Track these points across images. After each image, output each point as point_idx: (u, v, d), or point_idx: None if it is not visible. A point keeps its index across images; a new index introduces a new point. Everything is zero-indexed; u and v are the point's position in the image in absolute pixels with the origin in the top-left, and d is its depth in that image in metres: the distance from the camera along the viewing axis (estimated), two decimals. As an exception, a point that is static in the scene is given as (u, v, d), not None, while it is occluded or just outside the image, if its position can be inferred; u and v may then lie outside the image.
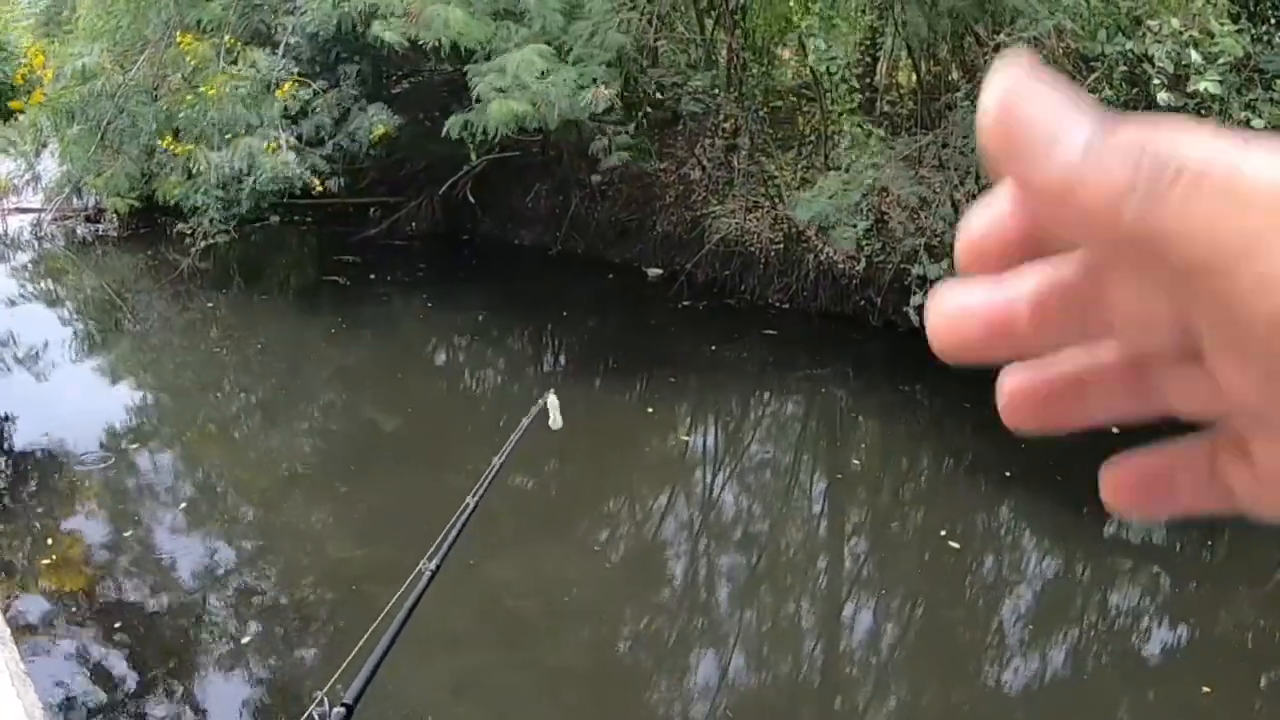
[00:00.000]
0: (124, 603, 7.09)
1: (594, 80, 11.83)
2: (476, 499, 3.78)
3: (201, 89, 12.95)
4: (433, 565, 3.35)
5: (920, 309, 11.14)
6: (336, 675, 2.82)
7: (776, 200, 13.05)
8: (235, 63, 13.16)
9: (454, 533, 3.54)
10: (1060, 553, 8.29)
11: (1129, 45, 9.26)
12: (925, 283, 11.09)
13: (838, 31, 11.05)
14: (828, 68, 12.43)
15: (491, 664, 6.56)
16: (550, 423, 4.69)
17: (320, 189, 13.03)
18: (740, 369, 12.02)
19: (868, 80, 14.73)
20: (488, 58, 12.07)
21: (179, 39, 13.28)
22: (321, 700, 2.66)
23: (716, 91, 14.32)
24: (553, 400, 4.71)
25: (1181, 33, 8.97)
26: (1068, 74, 10.41)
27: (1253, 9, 9.93)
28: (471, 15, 11.89)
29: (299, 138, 13.03)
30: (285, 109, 12.94)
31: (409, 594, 3.20)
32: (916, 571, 8.07)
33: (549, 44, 11.99)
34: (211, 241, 13.27)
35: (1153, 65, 9.06)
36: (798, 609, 7.63)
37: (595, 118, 12.90)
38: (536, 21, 12.22)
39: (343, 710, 2.66)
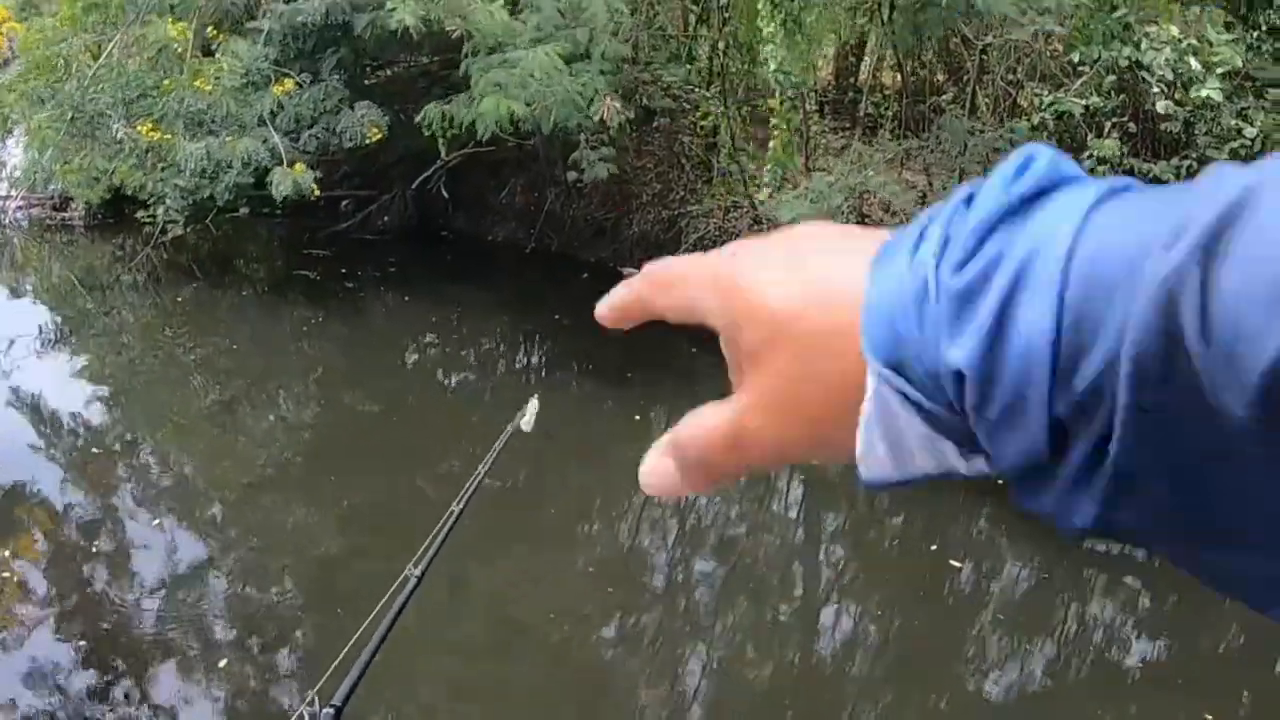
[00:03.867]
0: (87, 610, 6.87)
1: (596, 91, 11.47)
2: (461, 506, 3.85)
3: (183, 77, 12.68)
4: (418, 571, 3.46)
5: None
6: (325, 677, 2.92)
7: (757, 201, 12.86)
8: (210, 51, 12.88)
9: (439, 540, 3.63)
10: (1039, 563, 8.16)
11: (1126, 52, 9.13)
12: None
13: (797, 46, 10.79)
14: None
15: (473, 671, 6.48)
16: (522, 424, 4.65)
17: (317, 194, 12.74)
18: (718, 374, 11.76)
19: (851, 80, 14.59)
20: (490, 52, 11.72)
21: (152, 22, 12.99)
22: (312, 700, 2.81)
23: (693, 88, 14.08)
24: (533, 405, 4.66)
25: (1180, 40, 8.85)
26: (1054, 78, 10.28)
27: (1244, 14, 9.83)
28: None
29: (284, 134, 12.75)
30: (279, 103, 12.66)
31: (395, 599, 3.33)
32: (893, 579, 8.00)
33: (546, 42, 11.62)
34: (175, 233, 12.99)
35: (1151, 74, 8.93)
36: (776, 616, 7.53)
37: (581, 125, 12.64)
38: (533, 17, 11.88)
39: (331, 711, 2.81)
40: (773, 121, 11.80)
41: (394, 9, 11.32)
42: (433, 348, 12.66)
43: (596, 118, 11.46)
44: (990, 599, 7.73)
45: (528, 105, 11.08)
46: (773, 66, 10.78)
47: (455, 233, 15.89)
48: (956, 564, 7.98)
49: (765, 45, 10.60)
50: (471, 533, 7.56)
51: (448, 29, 11.55)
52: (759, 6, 10.53)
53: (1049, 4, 9.22)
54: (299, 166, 12.18)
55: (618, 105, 11.58)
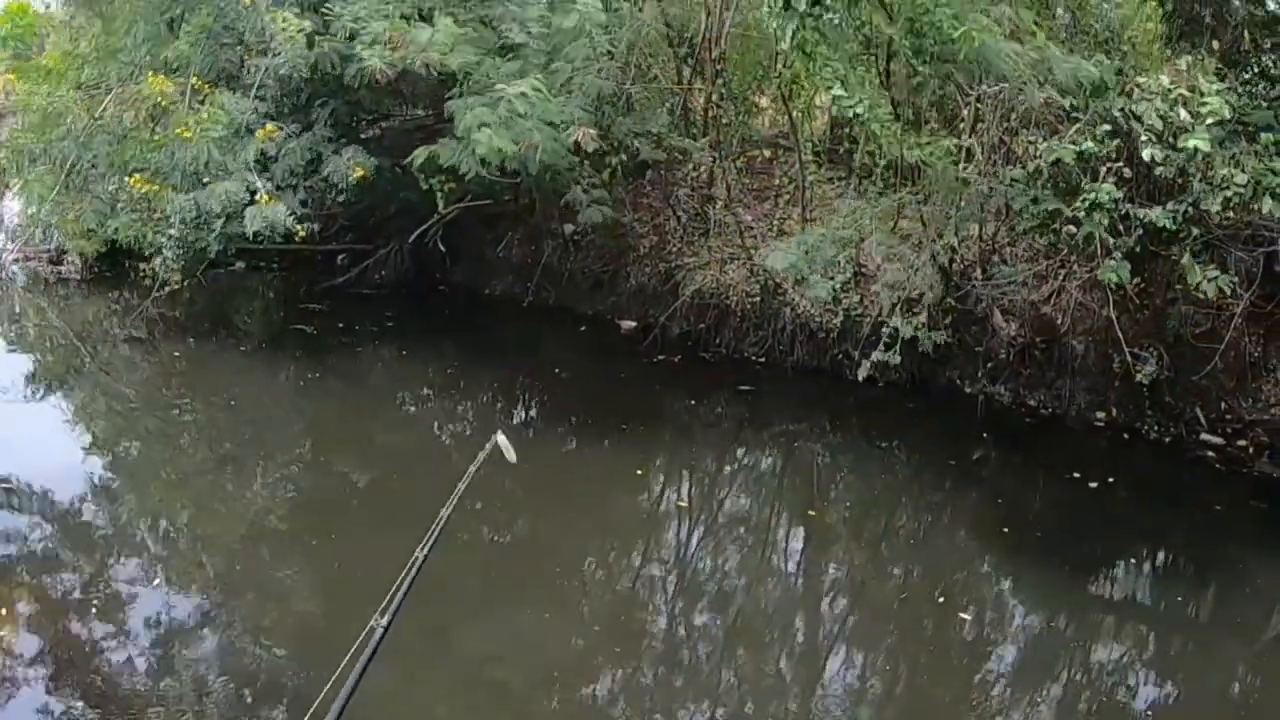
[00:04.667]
0: (79, 665, 6.78)
1: (574, 120, 11.51)
2: (426, 551, 3.76)
3: (170, 130, 12.69)
4: (385, 621, 3.39)
5: (877, 365, 10.77)
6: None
7: (753, 252, 12.85)
8: (202, 103, 12.91)
9: (405, 587, 3.54)
10: (1044, 609, 8.12)
11: (1120, 103, 9.16)
12: (898, 336, 10.79)
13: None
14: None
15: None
16: (508, 458, 4.64)
17: (302, 235, 12.68)
18: (717, 425, 11.81)
19: (846, 130, 14.56)
20: (475, 93, 11.76)
21: (148, 79, 13.02)
22: None
23: (683, 139, 14.03)
24: (502, 439, 4.65)
25: (1170, 90, 8.87)
26: (1049, 125, 10.27)
27: (1234, 60, 9.85)
28: (454, 39, 11.59)
29: (277, 186, 12.73)
30: (262, 152, 12.66)
31: (362, 651, 3.30)
32: (896, 628, 7.90)
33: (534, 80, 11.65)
34: (172, 286, 12.95)
35: (1141, 123, 8.95)
36: (778, 668, 7.45)
37: (572, 167, 12.64)
38: (514, 64, 11.93)
39: None
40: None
41: (364, 47, 11.47)
42: (430, 403, 12.60)
43: (571, 140, 11.47)
44: (996, 648, 7.66)
45: (515, 144, 11.09)
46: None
47: (452, 286, 15.87)
48: (965, 616, 7.92)
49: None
50: (467, 592, 7.53)
51: (407, 62, 11.62)
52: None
53: (1060, 77, 9.23)
54: (264, 197, 12.21)
55: (593, 133, 11.60)
